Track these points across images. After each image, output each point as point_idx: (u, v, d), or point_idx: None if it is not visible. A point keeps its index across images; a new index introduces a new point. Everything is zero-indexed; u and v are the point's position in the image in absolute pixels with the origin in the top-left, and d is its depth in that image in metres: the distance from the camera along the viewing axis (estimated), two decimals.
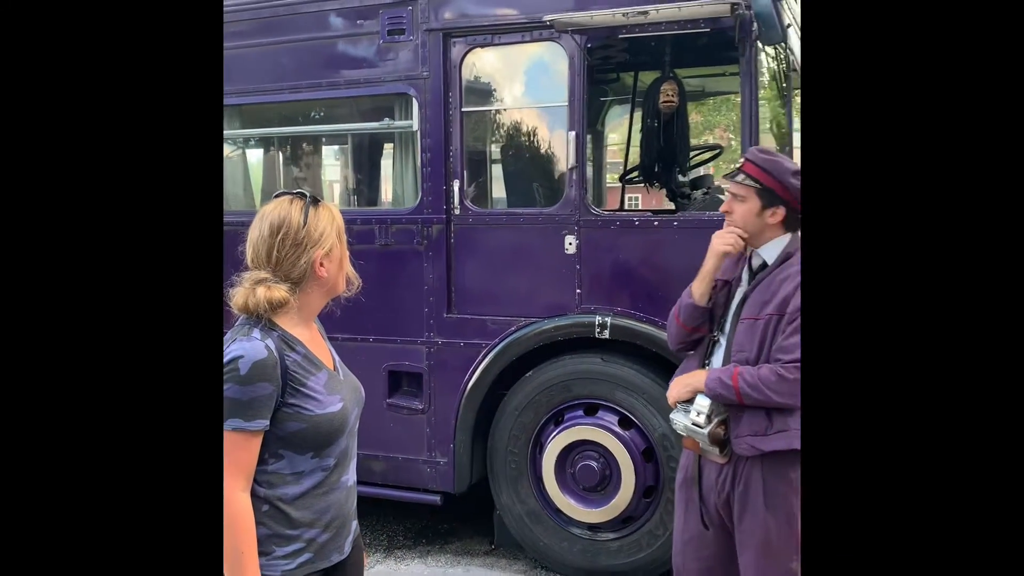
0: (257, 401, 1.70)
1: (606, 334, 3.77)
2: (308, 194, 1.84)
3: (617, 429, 3.81)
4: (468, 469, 4.06)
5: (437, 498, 4.13)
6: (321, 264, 1.81)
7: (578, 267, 3.85)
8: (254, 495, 1.74)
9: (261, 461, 1.75)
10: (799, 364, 2.25)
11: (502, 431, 4.01)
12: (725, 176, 2.58)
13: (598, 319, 3.78)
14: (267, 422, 1.72)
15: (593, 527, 3.91)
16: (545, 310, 3.90)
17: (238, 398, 1.69)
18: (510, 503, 4.04)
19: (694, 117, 14.41)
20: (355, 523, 1.96)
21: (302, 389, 1.76)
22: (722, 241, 2.49)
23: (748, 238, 2.49)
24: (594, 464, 3.83)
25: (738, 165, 2.53)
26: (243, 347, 1.71)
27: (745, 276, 2.54)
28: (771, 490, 2.38)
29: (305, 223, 1.78)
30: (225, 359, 1.70)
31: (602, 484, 3.83)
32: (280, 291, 1.77)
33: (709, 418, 2.40)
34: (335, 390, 1.83)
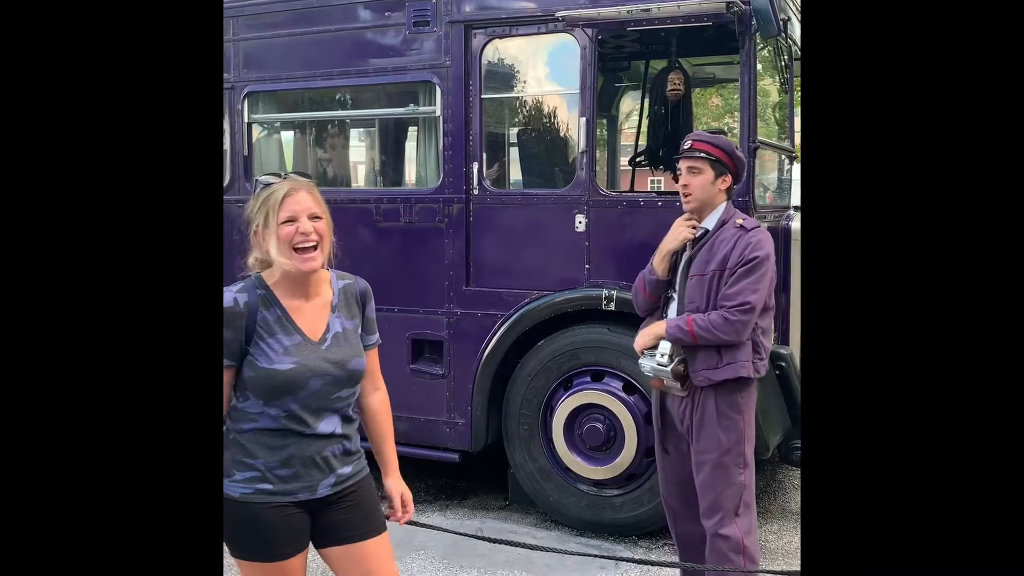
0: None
1: (612, 306, 4.05)
2: (265, 175, 2.12)
3: (621, 394, 4.12)
4: (484, 430, 4.40)
5: (456, 456, 4.47)
6: (261, 240, 2.06)
7: (587, 244, 4.15)
8: (225, 426, 2.06)
9: (236, 398, 2.07)
10: (741, 307, 2.78)
11: (516, 395, 4.34)
12: (678, 156, 3.02)
13: (605, 292, 4.08)
14: (232, 362, 2.03)
15: (599, 484, 4.23)
16: (556, 284, 4.21)
17: None
18: (522, 462, 4.37)
19: (714, 100, 14.60)
20: (345, 470, 2.11)
21: (260, 343, 2.03)
22: (686, 227, 2.98)
23: (699, 208, 2.95)
24: (600, 426, 4.14)
25: (687, 147, 2.97)
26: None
27: (688, 244, 3.01)
28: (723, 413, 2.87)
29: (250, 202, 2.11)
30: None
31: (607, 444, 4.15)
32: (250, 256, 2.12)
33: (671, 358, 2.89)
34: (295, 354, 2.03)
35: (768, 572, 2.89)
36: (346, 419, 2.15)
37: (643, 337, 2.99)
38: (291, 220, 2.01)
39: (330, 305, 2.14)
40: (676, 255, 3.03)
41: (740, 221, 2.91)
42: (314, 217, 2.03)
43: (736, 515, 2.88)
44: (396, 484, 2.28)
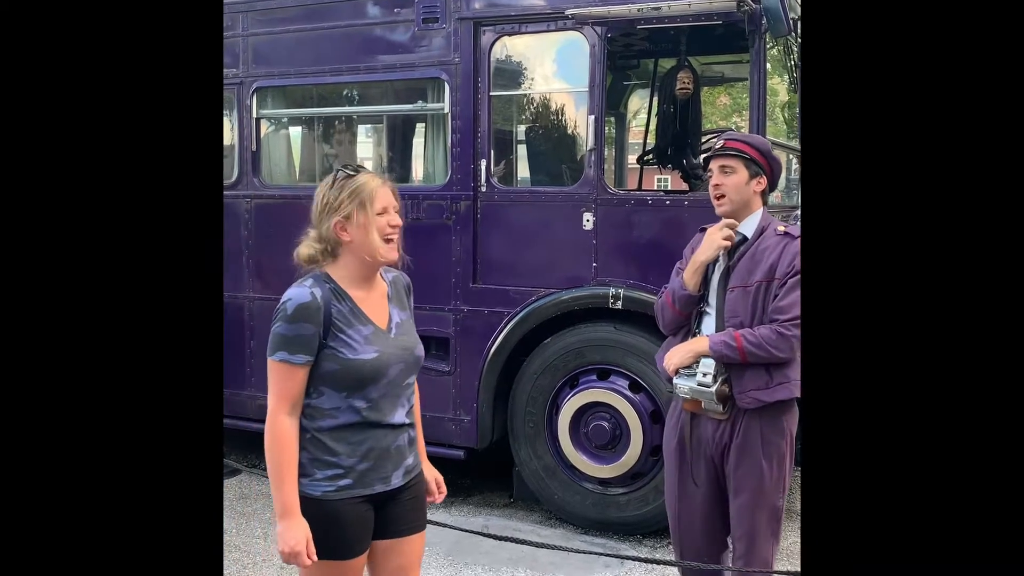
0: (301, 338, 2.00)
1: (619, 305, 4.06)
2: (345, 167, 2.14)
3: (627, 392, 4.12)
4: (490, 427, 4.40)
5: (461, 453, 4.47)
6: (344, 229, 2.06)
7: (594, 242, 4.14)
8: (300, 425, 2.05)
9: (307, 395, 2.05)
10: (796, 321, 2.51)
11: (521, 393, 4.34)
12: (710, 155, 2.80)
13: (612, 291, 4.08)
14: (311, 358, 2.02)
15: (604, 482, 4.23)
16: (563, 282, 4.21)
17: (285, 334, 2.00)
18: (528, 459, 4.38)
19: (723, 99, 14.55)
20: (410, 460, 2.17)
21: (341, 335, 2.04)
22: (722, 235, 2.69)
23: (734, 212, 2.72)
24: (606, 424, 4.14)
25: (717, 147, 2.76)
26: (294, 292, 2.04)
27: (721, 253, 2.74)
28: (767, 439, 2.64)
29: (329, 191, 2.10)
30: (280, 302, 2.04)
31: (613, 443, 4.15)
32: (309, 248, 2.09)
33: (715, 377, 2.61)
34: (374, 343, 2.07)
35: (768, 572, 2.87)
36: (409, 408, 2.20)
37: (678, 355, 2.69)
38: (384, 211, 2.09)
39: (386, 296, 2.19)
40: (707, 267, 2.76)
41: (782, 228, 2.67)
42: (396, 211, 2.13)
43: (772, 537, 2.71)
44: (428, 468, 2.34)
